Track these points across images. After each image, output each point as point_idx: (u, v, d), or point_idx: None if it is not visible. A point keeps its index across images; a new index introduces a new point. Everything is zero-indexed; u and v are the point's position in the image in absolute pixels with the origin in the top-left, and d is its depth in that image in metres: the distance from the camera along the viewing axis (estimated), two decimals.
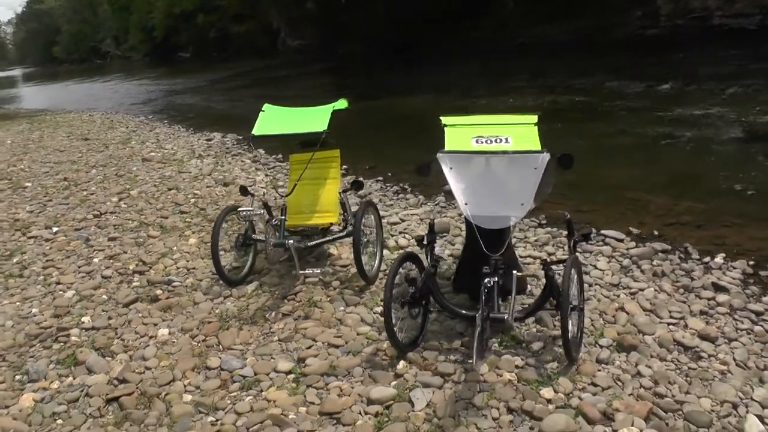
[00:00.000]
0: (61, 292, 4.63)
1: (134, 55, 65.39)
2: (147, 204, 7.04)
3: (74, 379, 3.45)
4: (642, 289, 3.87)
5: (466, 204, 3.27)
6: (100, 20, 73.80)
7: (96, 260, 5.26)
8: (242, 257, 4.73)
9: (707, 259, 4.24)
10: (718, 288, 3.83)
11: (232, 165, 9.07)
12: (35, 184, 8.42)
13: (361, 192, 5.98)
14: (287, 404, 3.03)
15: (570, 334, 2.98)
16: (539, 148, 3.32)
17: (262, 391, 3.18)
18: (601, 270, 4.21)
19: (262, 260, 4.76)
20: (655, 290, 3.84)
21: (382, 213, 5.39)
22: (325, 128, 4.52)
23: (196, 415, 3.03)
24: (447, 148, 3.47)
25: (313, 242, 4.62)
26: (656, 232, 4.80)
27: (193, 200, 7.07)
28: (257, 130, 4.60)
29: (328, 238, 4.67)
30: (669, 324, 3.46)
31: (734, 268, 4.10)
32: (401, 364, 3.27)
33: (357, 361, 3.35)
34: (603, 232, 4.81)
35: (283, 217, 4.44)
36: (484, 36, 23.48)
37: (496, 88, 14.74)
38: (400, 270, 3.35)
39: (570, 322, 2.97)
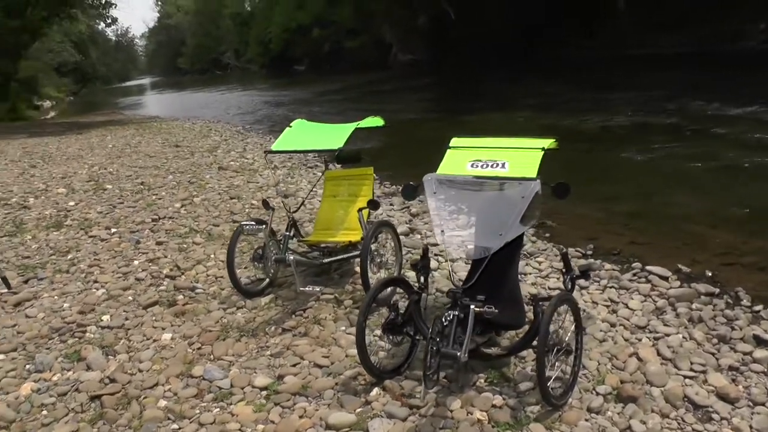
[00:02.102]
0: (94, 290, 5.07)
1: (252, 67, 70.13)
2: (205, 211, 7.51)
3: (73, 373, 3.76)
4: (668, 335, 3.57)
5: (442, 232, 3.22)
6: (222, 34, 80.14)
7: (136, 262, 5.70)
8: (262, 270, 4.92)
9: (759, 307, 3.84)
10: (760, 342, 3.45)
11: (302, 177, 9.43)
12: (115, 186, 9.26)
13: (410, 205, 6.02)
14: (248, 420, 3.12)
15: (551, 377, 2.83)
16: (534, 175, 3.19)
17: (231, 404, 3.30)
18: (631, 309, 3.95)
19: (286, 274, 4.94)
20: (684, 337, 3.53)
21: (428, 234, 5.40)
22: (341, 146, 4.62)
23: (164, 422, 3.20)
24: (440, 170, 3.43)
25: (329, 259, 4.72)
26: (709, 272, 4.43)
27: (248, 210, 7.45)
28: (275, 146, 4.82)
29: (341, 257, 4.75)
30: (686, 377, 3.17)
31: None
32: (375, 391, 3.25)
33: (332, 383, 3.38)
34: (648, 267, 4.52)
35: (288, 233, 4.58)
36: (596, 46, 22.67)
37: (587, 104, 14.34)
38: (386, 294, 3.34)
39: (552, 364, 2.82)
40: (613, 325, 3.76)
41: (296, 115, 20.77)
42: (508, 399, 3.08)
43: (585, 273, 3.53)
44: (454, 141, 3.75)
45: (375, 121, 5.09)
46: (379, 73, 34.80)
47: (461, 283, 3.16)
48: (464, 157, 3.47)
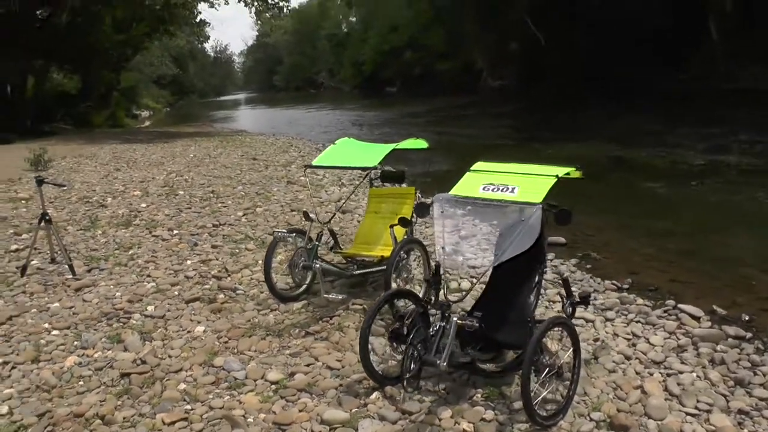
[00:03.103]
0: (145, 283, 5.63)
1: (345, 87, 72.42)
2: (264, 221, 8.03)
3: (111, 353, 4.25)
4: (681, 372, 3.59)
5: (443, 248, 3.44)
6: (317, 53, 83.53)
7: (188, 262, 6.24)
8: (292, 276, 5.26)
9: None
10: None
11: (366, 195, 9.82)
12: (186, 192, 10.03)
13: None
14: (252, 408, 3.45)
15: (540, 397, 2.98)
16: (539, 200, 3.35)
17: (241, 393, 3.65)
18: (651, 344, 3.99)
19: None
20: (697, 376, 3.55)
21: None
22: (375, 164, 4.94)
23: (179, 402, 3.59)
24: (453, 191, 3.66)
25: (358, 271, 5.04)
26: (746, 316, 4.36)
27: (304, 222, 7.89)
28: (316, 161, 5.22)
29: (368, 270, 5.05)
30: (688, 414, 3.21)
31: None
32: (374, 395, 3.50)
33: (336, 384, 3.66)
34: (680, 306, 4.51)
35: (316, 243, 4.93)
36: (686, 78, 21.94)
37: (667, 137, 14.10)
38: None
39: (541, 383, 2.98)
40: (628, 358, 3.82)
41: (379, 135, 21.52)
42: (499, 415, 3.24)
43: (584, 299, 3.63)
44: (477, 165, 3.97)
45: (417, 143, 5.39)
46: (467, 97, 35.17)
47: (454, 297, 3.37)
48: (480, 180, 3.69)
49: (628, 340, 4.13)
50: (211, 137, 21.96)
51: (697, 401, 3.32)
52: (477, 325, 3.15)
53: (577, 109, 23.11)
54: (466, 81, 39.48)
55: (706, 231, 6.89)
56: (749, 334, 4.07)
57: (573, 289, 4.08)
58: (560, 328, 3.26)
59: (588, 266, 5.87)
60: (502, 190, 3.50)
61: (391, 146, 5.26)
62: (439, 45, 43.47)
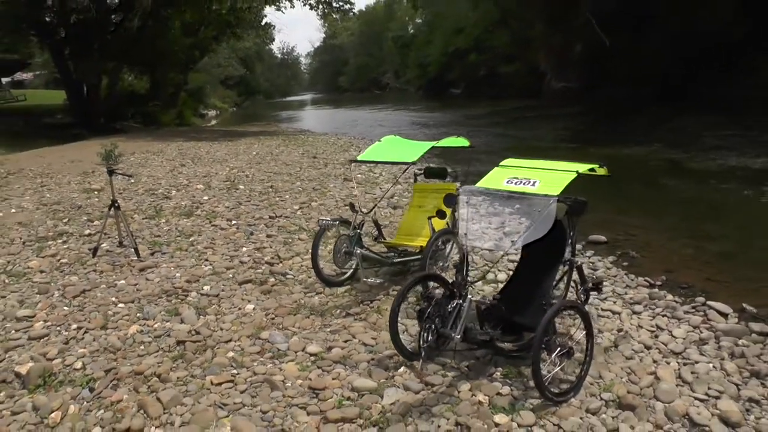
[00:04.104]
0: (203, 266, 6.18)
1: (410, 88, 73.05)
2: (318, 214, 8.51)
3: (170, 324, 4.77)
4: (698, 362, 3.78)
5: (465, 235, 3.77)
6: (383, 55, 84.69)
7: (244, 249, 6.77)
8: (341, 262, 5.68)
9: None
10: None
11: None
12: (247, 187, 10.66)
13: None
14: (291, 375, 3.88)
15: (551, 374, 3.28)
16: (557, 193, 3.61)
17: (282, 362, 4.08)
18: (673, 337, 4.18)
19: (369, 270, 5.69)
20: (714, 366, 3.73)
21: None
22: (414, 160, 5.31)
23: (227, 367, 4.05)
24: (480, 183, 3.97)
25: (398, 260, 5.41)
26: None
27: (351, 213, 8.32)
28: (360, 156, 5.63)
29: (407, 258, 5.41)
30: (697, 398, 3.41)
31: None
32: (402, 369, 3.86)
33: (369, 358, 4.04)
34: (709, 302, 4.69)
35: (359, 231, 5.33)
36: (758, 85, 21.17)
37: (728, 143, 13.83)
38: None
39: (552, 362, 3.28)
40: (648, 348, 4.03)
41: (431, 134, 21.82)
42: (515, 390, 3.54)
43: (597, 286, 3.87)
44: (506, 161, 4.29)
45: (457, 141, 5.73)
46: (531, 100, 35.06)
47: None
48: (505, 174, 3.99)
49: (651, 332, 4.33)
50: (274, 136, 22.80)
51: (708, 388, 3.51)
52: (490, 303, 3.47)
53: (639, 113, 22.77)
54: (529, 83, 39.30)
55: (752, 236, 6.89)
56: None
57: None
58: (572, 312, 3.52)
59: (625, 263, 6.05)
60: (524, 184, 3.79)
61: (430, 143, 5.61)
62: (505, 47, 43.42)
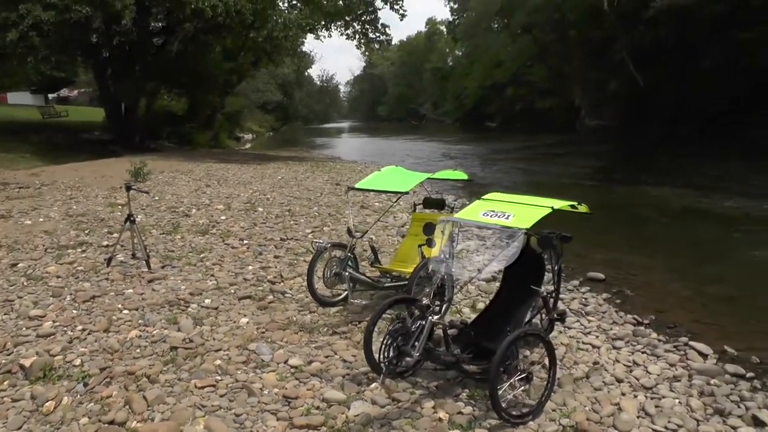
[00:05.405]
0: (208, 281, 6.58)
1: (447, 119, 73.88)
2: (328, 239, 8.88)
3: (167, 331, 5.16)
4: (664, 397, 3.99)
5: (439, 262, 4.09)
6: (422, 85, 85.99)
7: (250, 267, 7.16)
8: (330, 282, 5.99)
9: None
10: (757, 423, 3.72)
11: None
12: (265, 210, 11.12)
13: None
14: (269, 384, 4.22)
15: (509, 396, 3.58)
16: (528, 227, 3.89)
17: (263, 372, 4.41)
18: (648, 372, 4.41)
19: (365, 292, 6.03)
20: (679, 402, 3.94)
21: None
22: (407, 190, 5.65)
23: (212, 373, 4.40)
24: (458, 215, 4.30)
25: (389, 284, 5.73)
26: (757, 359, 4.66)
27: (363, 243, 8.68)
28: (359, 185, 6.01)
29: (398, 284, 5.73)
30: (654, 430, 3.61)
31: None
32: (374, 384, 4.15)
33: (345, 372, 4.35)
34: (691, 343, 4.90)
35: (349, 254, 5.67)
36: None
37: (757, 191, 13.78)
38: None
39: (510, 384, 3.57)
40: (619, 381, 4.25)
41: (467, 167, 22.14)
42: (476, 411, 3.81)
43: (561, 316, 4.13)
44: (489, 195, 4.61)
45: (454, 174, 6.07)
46: (564, 135, 35.26)
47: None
48: (484, 206, 4.30)
49: (627, 366, 4.56)
50: (303, 162, 23.43)
51: (668, 421, 3.72)
52: (459, 327, 3.78)
53: (672, 154, 22.81)
54: (564, 119, 39.67)
55: (754, 283, 7.00)
56: (751, 374, 4.37)
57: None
58: (534, 339, 3.79)
59: (618, 301, 6.26)
60: (499, 216, 4.09)
61: (426, 175, 5.96)
62: (541, 82, 44.02)
